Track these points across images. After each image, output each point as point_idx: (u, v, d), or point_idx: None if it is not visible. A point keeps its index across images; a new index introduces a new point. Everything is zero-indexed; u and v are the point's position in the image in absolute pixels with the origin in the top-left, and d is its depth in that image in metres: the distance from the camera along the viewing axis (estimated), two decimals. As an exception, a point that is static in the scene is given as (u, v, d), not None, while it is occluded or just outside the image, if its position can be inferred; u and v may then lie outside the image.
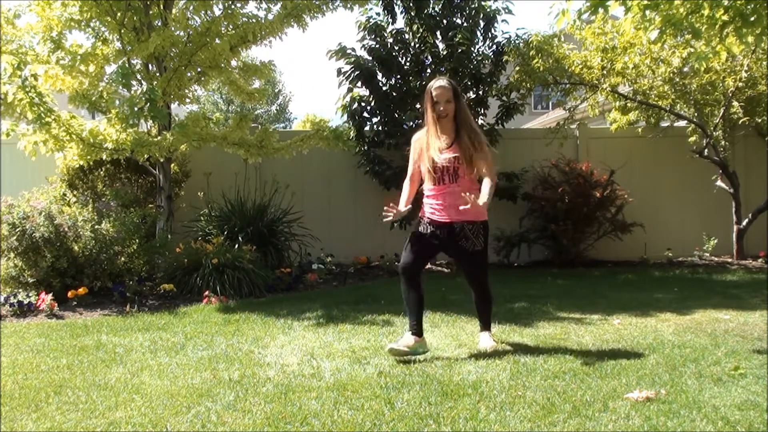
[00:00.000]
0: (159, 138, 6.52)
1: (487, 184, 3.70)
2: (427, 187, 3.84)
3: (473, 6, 7.81)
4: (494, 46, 8.03)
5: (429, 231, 3.80)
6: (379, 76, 7.85)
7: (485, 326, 3.96)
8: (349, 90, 7.83)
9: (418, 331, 3.70)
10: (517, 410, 2.75)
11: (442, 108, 3.71)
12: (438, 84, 3.73)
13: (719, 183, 8.26)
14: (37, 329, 4.70)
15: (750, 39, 4.09)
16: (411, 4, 7.76)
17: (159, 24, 6.72)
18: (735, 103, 7.84)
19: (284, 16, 6.70)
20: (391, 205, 3.78)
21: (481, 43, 8.02)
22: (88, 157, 6.40)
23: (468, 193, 3.55)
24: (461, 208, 3.61)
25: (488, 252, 4.00)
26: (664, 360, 3.53)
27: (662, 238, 8.42)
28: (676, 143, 8.48)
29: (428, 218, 3.82)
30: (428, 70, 7.90)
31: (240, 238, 6.76)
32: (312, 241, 7.51)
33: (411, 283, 3.76)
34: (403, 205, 3.84)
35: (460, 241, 3.75)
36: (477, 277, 3.89)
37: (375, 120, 7.98)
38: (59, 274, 5.79)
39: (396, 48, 7.85)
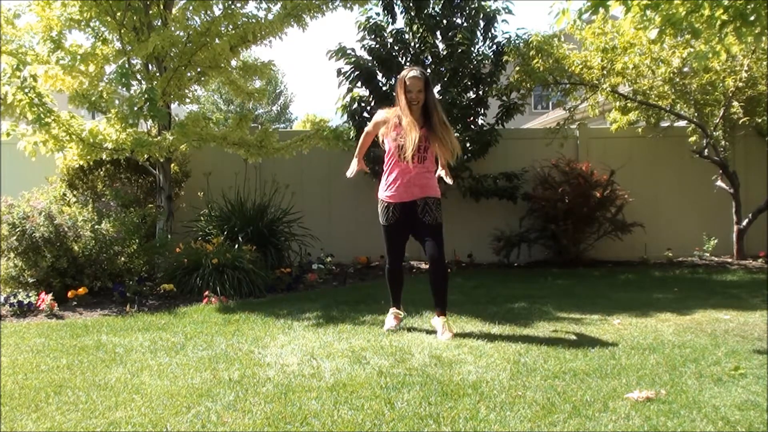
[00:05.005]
0: (159, 138, 6.52)
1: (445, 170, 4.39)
2: (392, 165, 4.21)
3: (473, 6, 7.81)
4: (494, 46, 8.03)
5: (396, 215, 4.23)
6: (379, 76, 7.85)
7: (444, 308, 4.17)
8: (349, 90, 7.83)
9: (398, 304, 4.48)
10: (517, 410, 2.75)
11: (413, 96, 4.07)
12: (411, 74, 4.09)
13: (719, 183, 8.27)
14: (37, 329, 4.70)
15: (750, 39, 4.09)
16: (411, 4, 7.76)
17: (159, 24, 6.72)
18: (735, 103, 7.85)
19: (284, 16, 6.69)
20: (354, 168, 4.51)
21: (481, 43, 8.02)
22: (88, 157, 6.40)
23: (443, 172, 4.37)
24: (441, 175, 4.34)
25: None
26: (664, 360, 3.53)
27: (662, 238, 8.42)
28: (676, 143, 8.49)
29: (389, 201, 4.24)
30: (428, 70, 7.89)
31: (240, 238, 6.76)
32: (312, 241, 7.51)
33: (400, 276, 4.44)
34: (360, 154, 4.52)
35: (424, 216, 4.16)
36: (440, 248, 4.15)
37: (375, 120, 7.98)
38: (59, 274, 5.79)
39: (396, 48, 7.84)
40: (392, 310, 4.47)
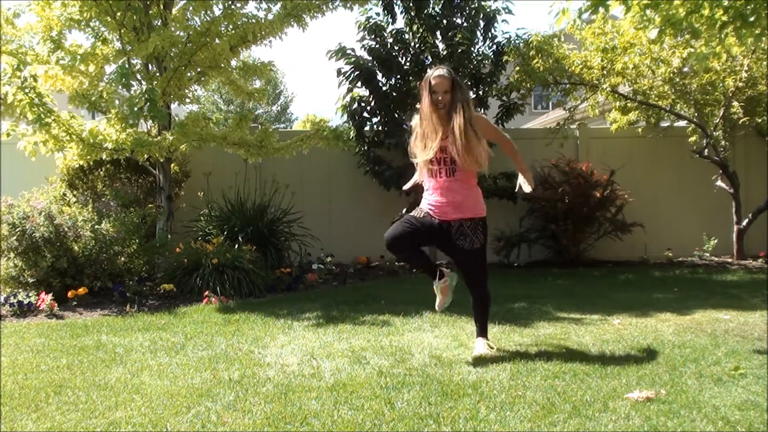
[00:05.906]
0: (159, 138, 6.52)
1: (521, 161, 3.90)
2: (425, 183, 3.75)
3: (473, 6, 7.81)
4: (494, 46, 8.04)
5: (432, 221, 3.65)
6: (379, 76, 7.86)
7: (482, 332, 3.78)
8: (349, 90, 7.83)
9: (439, 273, 3.79)
10: (517, 410, 2.75)
11: (440, 98, 3.59)
12: (437, 73, 3.62)
13: (719, 183, 8.27)
14: (37, 329, 4.70)
15: (750, 39, 4.09)
16: (411, 4, 7.76)
17: (159, 24, 6.72)
18: (735, 103, 7.85)
19: (284, 16, 6.70)
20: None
21: (481, 43, 8.03)
22: (88, 157, 6.40)
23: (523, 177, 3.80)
24: (520, 182, 3.83)
25: (488, 252, 3.94)
26: (664, 360, 3.53)
27: (662, 238, 8.42)
28: (676, 143, 8.49)
29: (430, 212, 3.69)
30: (428, 70, 7.90)
31: (240, 238, 6.76)
32: (312, 241, 7.51)
33: (403, 252, 3.72)
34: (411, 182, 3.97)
35: (458, 239, 3.62)
36: (475, 277, 3.70)
37: (375, 120, 7.99)
38: (59, 274, 5.79)
39: (396, 48, 7.85)
40: (436, 282, 3.80)
